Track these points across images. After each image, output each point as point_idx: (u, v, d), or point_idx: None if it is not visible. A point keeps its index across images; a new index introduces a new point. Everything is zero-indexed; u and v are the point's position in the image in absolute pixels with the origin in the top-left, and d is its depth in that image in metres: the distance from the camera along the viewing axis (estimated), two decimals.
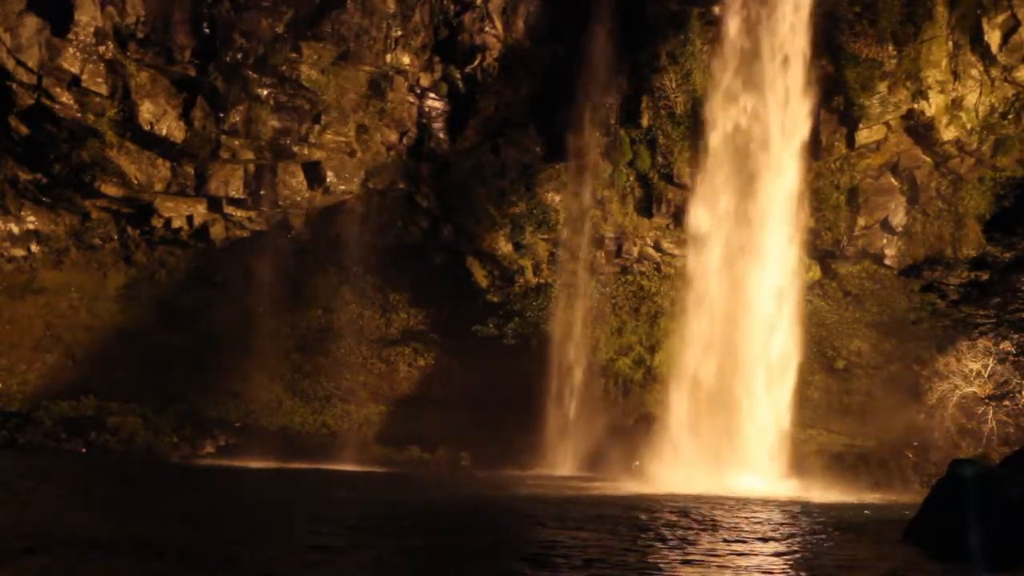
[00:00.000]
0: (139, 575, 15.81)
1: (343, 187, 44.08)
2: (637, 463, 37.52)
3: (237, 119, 42.52)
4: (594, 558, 17.70)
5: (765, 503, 29.54)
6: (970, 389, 34.91)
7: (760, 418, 37.21)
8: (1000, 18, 40.16)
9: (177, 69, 42.46)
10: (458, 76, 44.33)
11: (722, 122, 40.01)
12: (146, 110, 41.89)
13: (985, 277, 27.73)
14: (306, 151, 43.52)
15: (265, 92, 42.59)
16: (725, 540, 20.47)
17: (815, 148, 40.38)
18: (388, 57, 43.70)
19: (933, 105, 40.53)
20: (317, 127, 43.20)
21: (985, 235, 30.52)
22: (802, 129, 39.28)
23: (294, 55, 42.67)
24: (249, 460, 39.85)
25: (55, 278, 46.18)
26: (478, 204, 43.16)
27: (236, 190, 43.67)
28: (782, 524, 24.12)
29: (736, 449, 36.64)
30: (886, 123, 41.02)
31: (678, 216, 42.03)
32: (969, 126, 40.86)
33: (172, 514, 23.23)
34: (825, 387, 41.33)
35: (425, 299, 45.54)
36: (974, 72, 40.63)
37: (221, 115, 42.44)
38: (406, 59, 43.91)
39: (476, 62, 44.05)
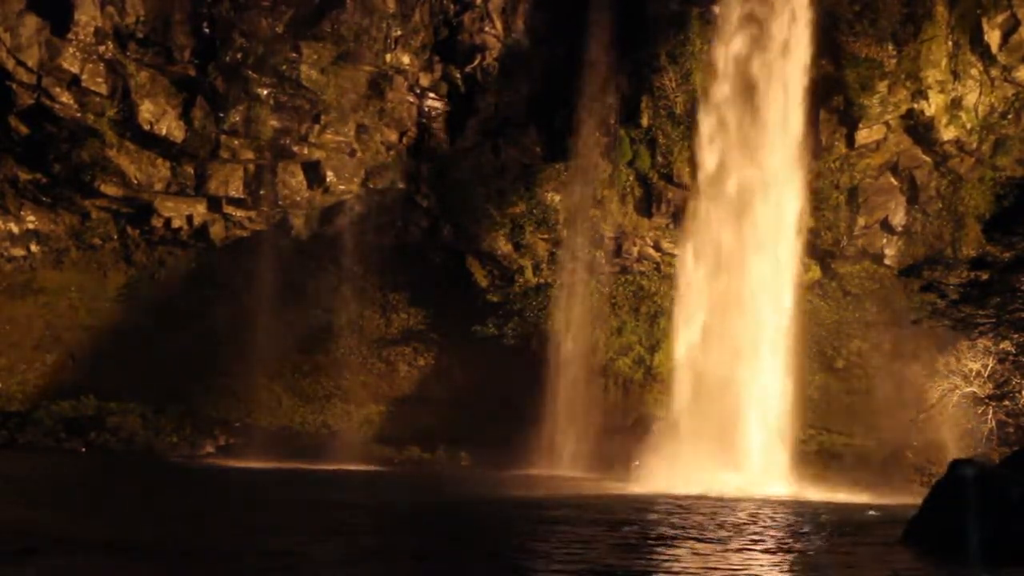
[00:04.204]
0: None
1: (343, 187, 44.08)
2: (637, 463, 37.48)
3: (237, 119, 42.53)
4: (595, 566, 17.69)
5: (765, 503, 29.54)
6: (970, 389, 34.84)
7: (760, 418, 37.17)
8: (1000, 18, 40.15)
9: (177, 69, 42.48)
10: (458, 76, 44.33)
11: (731, 24, 40.07)
12: (146, 110, 41.90)
13: (985, 277, 27.71)
14: (306, 151, 43.53)
15: (265, 92, 42.60)
16: (724, 540, 20.47)
17: (815, 148, 40.35)
18: (388, 57, 43.70)
19: (933, 105, 40.53)
20: (317, 127, 43.21)
21: (985, 235, 30.50)
22: (805, 31, 39.27)
23: (294, 55, 42.68)
24: (249, 460, 39.85)
25: (55, 278, 46.18)
26: (478, 204, 43.16)
27: (236, 190, 43.67)
28: (782, 524, 24.11)
29: (736, 449, 36.62)
30: (886, 123, 41.01)
31: (678, 216, 42.01)
32: (969, 126, 40.85)
33: (172, 514, 23.22)
34: (825, 387, 41.30)
35: (425, 299, 45.53)
36: (974, 72, 40.63)
37: (221, 115, 42.45)
38: (406, 59, 43.91)
39: (476, 62, 44.04)
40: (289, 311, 44.87)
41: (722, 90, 40.09)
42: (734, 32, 40.15)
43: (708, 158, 39.87)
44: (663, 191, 42.58)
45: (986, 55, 40.40)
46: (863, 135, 40.98)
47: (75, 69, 41.00)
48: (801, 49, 39.38)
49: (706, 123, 40.16)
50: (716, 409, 37.18)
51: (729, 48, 40.10)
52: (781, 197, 38.95)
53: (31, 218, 44.38)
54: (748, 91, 39.75)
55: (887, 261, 42.07)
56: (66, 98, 41.35)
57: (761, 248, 38.75)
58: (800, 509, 28.00)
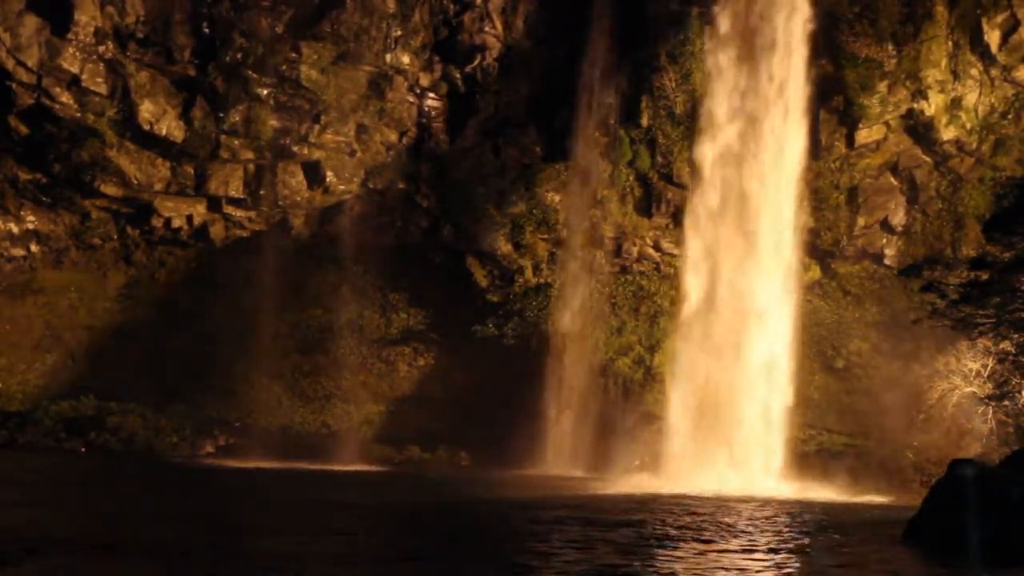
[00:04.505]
0: None
1: (343, 187, 44.10)
2: (637, 463, 37.49)
3: (237, 119, 42.55)
4: (596, 567, 17.68)
5: (764, 503, 29.53)
6: (970, 389, 34.87)
7: (759, 418, 37.12)
8: (1000, 18, 40.14)
9: (177, 69, 42.50)
10: (458, 76, 44.35)
11: (718, 118, 39.64)
12: (146, 110, 41.92)
13: (985, 277, 27.71)
14: (306, 151, 43.54)
15: (265, 92, 42.63)
16: (723, 540, 20.47)
17: (815, 148, 40.30)
18: (388, 57, 43.72)
19: (933, 105, 40.52)
20: (317, 127, 43.22)
21: (985, 235, 30.52)
22: (800, 128, 38.94)
23: (294, 55, 42.70)
24: (249, 460, 39.86)
25: (55, 278, 46.20)
26: (478, 204, 43.17)
27: (236, 190, 43.69)
28: (781, 524, 24.11)
29: (735, 449, 36.58)
30: (886, 123, 41.01)
31: (677, 216, 41.97)
32: (969, 126, 40.85)
33: (172, 515, 23.22)
34: (825, 387, 41.30)
35: (425, 299, 45.54)
36: (974, 72, 40.62)
37: (221, 115, 42.48)
38: (406, 59, 43.92)
39: (476, 62, 44.06)
40: (289, 311, 44.91)
41: (707, 201, 38.54)
42: (722, 127, 38.77)
43: (693, 284, 38.35)
44: (663, 191, 42.57)
45: (986, 55, 40.40)
46: (863, 135, 40.96)
47: (75, 69, 41.01)
48: (796, 147, 38.09)
49: (693, 246, 38.49)
50: (716, 408, 37.06)
51: (716, 145, 38.65)
52: (773, 334, 37.12)
53: (31, 218, 44.40)
54: (739, 200, 38.07)
55: (887, 261, 42.06)
56: (66, 98, 41.36)
57: (752, 395, 36.98)
58: (800, 509, 27.99)
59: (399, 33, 43.77)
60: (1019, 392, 31.86)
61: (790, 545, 20.39)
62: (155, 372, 44.52)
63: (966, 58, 40.53)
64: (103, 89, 41.58)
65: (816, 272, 42.24)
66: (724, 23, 39.63)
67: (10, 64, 40.59)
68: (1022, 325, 27.65)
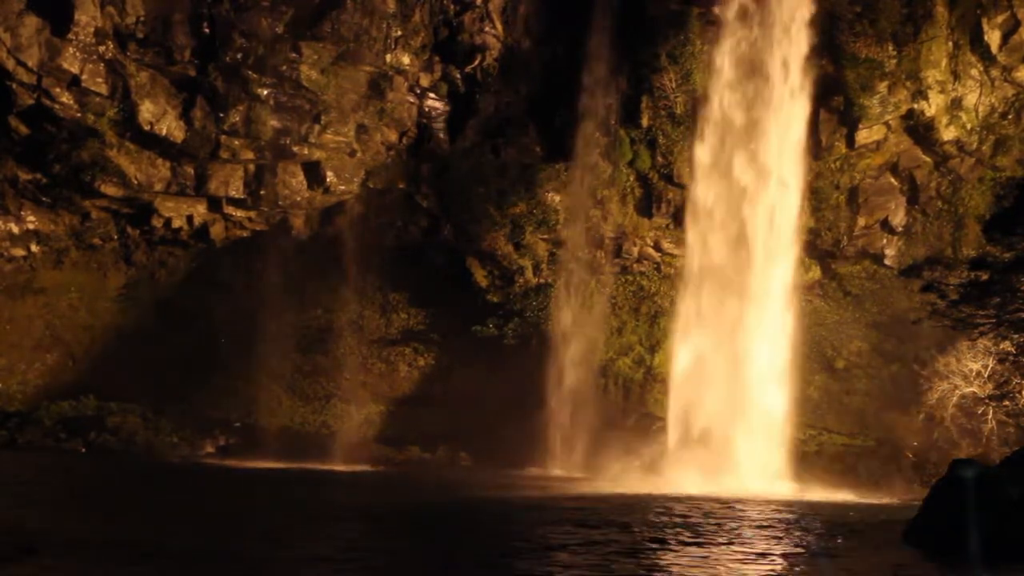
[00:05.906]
0: None
1: (343, 187, 44.10)
2: (637, 463, 37.48)
3: (237, 119, 42.54)
4: (594, 569, 17.68)
5: (764, 503, 29.53)
6: (970, 389, 34.90)
7: (759, 418, 37.13)
8: (1000, 18, 40.17)
9: (177, 69, 42.48)
10: (458, 76, 44.35)
11: (721, 120, 39.73)
12: (146, 110, 41.91)
13: (985, 277, 27.69)
14: (306, 151, 43.54)
15: (265, 92, 42.61)
16: (723, 542, 20.47)
17: (815, 148, 40.33)
18: (388, 57, 43.72)
19: (933, 105, 40.53)
20: (317, 127, 43.22)
21: (985, 235, 30.50)
22: (800, 128, 38.98)
23: (294, 55, 42.70)
24: (249, 460, 39.86)
25: (55, 278, 46.21)
26: (478, 204, 43.17)
27: (236, 190, 43.68)
28: (781, 525, 24.11)
29: (735, 449, 36.58)
30: (886, 123, 41.02)
31: (678, 216, 41.99)
32: (969, 126, 40.87)
33: (172, 515, 23.23)
34: (825, 387, 41.30)
35: (425, 299, 45.53)
36: (974, 72, 40.64)
37: (221, 115, 42.47)
38: (406, 59, 43.93)
39: (476, 62, 44.06)
40: (289, 311, 44.88)
41: (707, 199, 38.66)
42: (722, 124, 38.80)
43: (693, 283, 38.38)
44: (663, 191, 42.57)
45: (986, 55, 40.42)
46: (863, 135, 40.97)
47: (75, 69, 41.00)
48: (796, 145, 38.12)
49: (693, 244, 38.50)
50: (716, 408, 37.08)
51: (715, 142, 38.57)
52: (773, 334, 36.99)
53: (31, 218, 44.39)
54: (739, 198, 37.96)
55: (887, 261, 42.07)
56: (66, 98, 41.35)
57: (752, 395, 36.54)
58: (800, 509, 27.99)
59: (399, 33, 43.77)
60: (1019, 392, 31.88)
61: (790, 545, 20.39)
62: (155, 372, 44.50)
63: (966, 58, 40.55)
64: (103, 89, 41.57)
65: (816, 272, 42.26)
66: (726, 19, 39.84)
67: (10, 64, 40.57)
68: (1022, 325, 27.63)
